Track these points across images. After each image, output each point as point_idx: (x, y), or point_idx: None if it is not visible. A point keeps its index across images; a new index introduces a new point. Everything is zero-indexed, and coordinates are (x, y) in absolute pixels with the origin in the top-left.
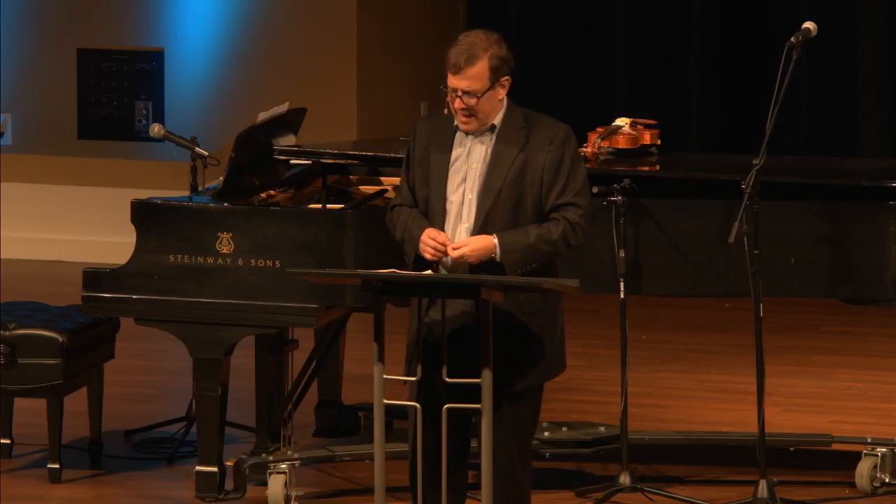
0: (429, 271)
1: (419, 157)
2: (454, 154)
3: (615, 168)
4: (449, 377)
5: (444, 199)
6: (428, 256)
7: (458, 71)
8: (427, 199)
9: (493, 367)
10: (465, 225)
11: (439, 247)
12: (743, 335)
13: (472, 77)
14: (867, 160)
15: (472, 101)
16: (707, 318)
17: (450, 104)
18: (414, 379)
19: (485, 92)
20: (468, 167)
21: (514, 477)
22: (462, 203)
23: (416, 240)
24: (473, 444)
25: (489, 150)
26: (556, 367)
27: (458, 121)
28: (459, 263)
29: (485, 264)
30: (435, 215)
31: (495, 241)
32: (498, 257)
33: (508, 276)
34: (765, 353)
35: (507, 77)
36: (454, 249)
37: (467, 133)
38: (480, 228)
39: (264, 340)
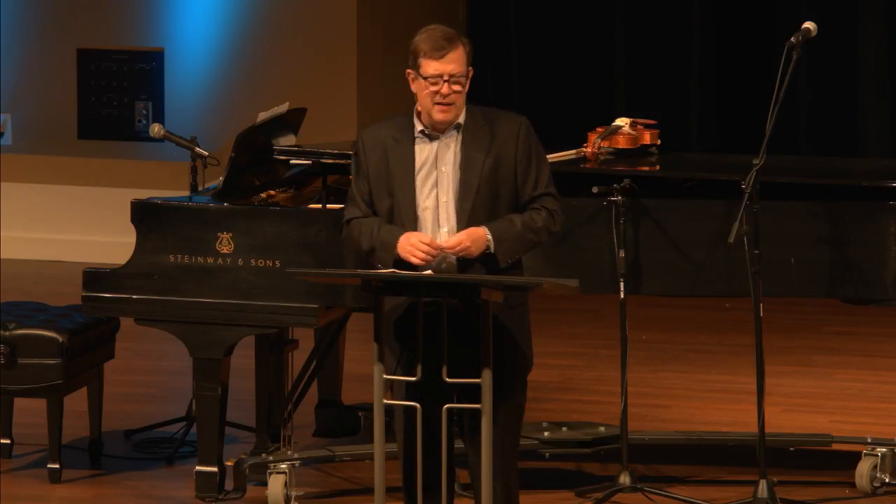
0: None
1: (374, 169)
2: (419, 160)
3: (615, 168)
4: (419, 376)
5: (414, 206)
6: (415, 261)
7: (442, 55)
8: (391, 210)
9: (458, 367)
10: (446, 228)
11: (432, 251)
12: (743, 335)
13: (456, 60)
14: (867, 160)
15: (459, 87)
16: (707, 318)
17: (425, 97)
18: (413, 379)
19: (468, 77)
20: (438, 171)
21: (505, 477)
22: (437, 207)
23: (393, 246)
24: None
25: (458, 151)
26: (525, 366)
27: (436, 112)
28: (449, 263)
29: (478, 258)
30: (406, 223)
31: (487, 233)
32: (492, 248)
33: (508, 276)
34: (765, 353)
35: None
36: (451, 248)
37: (435, 130)
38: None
39: (264, 340)
